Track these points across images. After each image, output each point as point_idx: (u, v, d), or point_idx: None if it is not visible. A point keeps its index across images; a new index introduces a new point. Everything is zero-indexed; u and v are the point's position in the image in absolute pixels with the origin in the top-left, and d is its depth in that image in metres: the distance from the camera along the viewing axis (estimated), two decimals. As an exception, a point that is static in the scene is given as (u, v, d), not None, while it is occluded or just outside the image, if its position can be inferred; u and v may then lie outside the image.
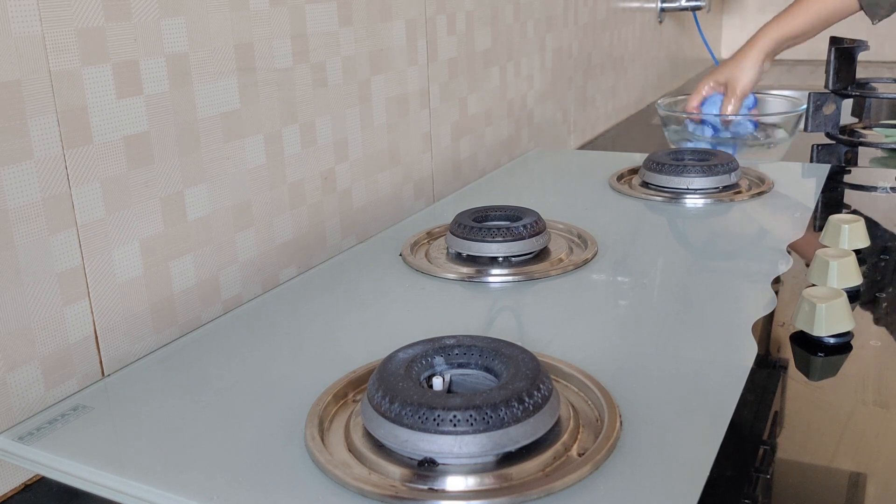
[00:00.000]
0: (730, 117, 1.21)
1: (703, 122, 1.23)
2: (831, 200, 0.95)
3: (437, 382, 0.48)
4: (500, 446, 0.42)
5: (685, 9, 1.84)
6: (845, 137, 1.29)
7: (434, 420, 0.42)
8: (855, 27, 2.26)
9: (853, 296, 0.65)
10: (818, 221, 0.84)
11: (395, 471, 0.43)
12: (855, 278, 0.66)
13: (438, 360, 0.48)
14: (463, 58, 1.02)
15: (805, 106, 1.22)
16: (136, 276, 0.59)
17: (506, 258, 0.71)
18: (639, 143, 1.53)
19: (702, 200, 0.89)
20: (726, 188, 0.91)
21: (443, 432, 0.42)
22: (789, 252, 0.72)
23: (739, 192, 0.90)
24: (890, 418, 0.51)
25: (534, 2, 1.20)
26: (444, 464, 0.42)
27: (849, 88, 1.30)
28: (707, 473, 0.42)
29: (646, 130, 1.58)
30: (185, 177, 0.63)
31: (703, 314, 0.62)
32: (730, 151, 1.05)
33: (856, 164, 1.17)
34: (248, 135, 0.69)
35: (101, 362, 0.57)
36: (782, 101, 1.27)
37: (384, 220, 0.88)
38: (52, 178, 0.52)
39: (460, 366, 0.49)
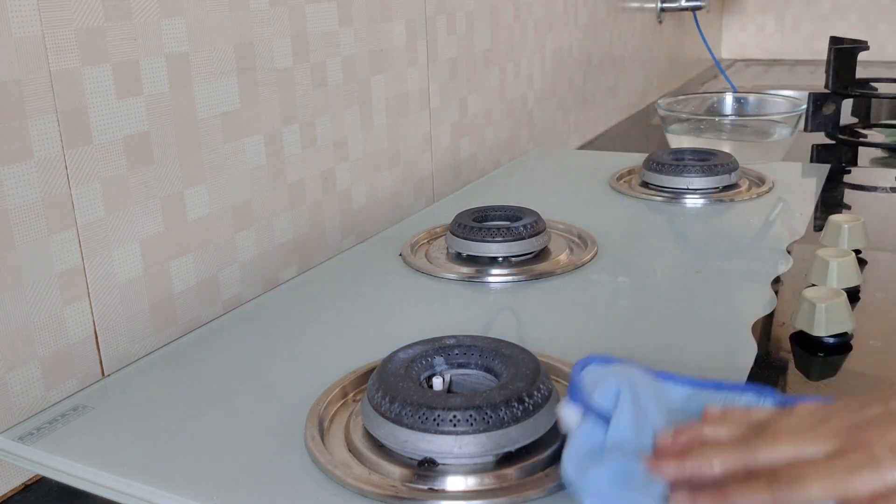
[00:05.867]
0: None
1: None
2: (831, 200, 0.95)
3: (437, 382, 0.48)
4: (500, 446, 0.42)
5: (685, 9, 1.84)
6: (845, 137, 1.29)
7: (434, 420, 0.42)
8: (855, 27, 2.27)
9: (853, 296, 0.65)
10: (818, 221, 0.84)
11: (395, 471, 0.43)
12: (855, 278, 0.66)
13: (438, 360, 0.48)
14: (463, 58, 1.02)
15: (805, 106, 1.22)
16: (136, 276, 0.59)
17: (506, 258, 0.71)
18: (639, 143, 1.53)
19: (702, 200, 0.89)
20: (726, 188, 0.91)
21: (443, 432, 0.42)
22: (789, 252, 0.72)
23: (739, 192, 0.90)
24: (890, 418, 0.51)
25: (534, 2, 1.20)
26: (443, 464, 0.42)
27: (849, 88, 1.30)
28: (707, 473, 0.42)
29: (646, 130, 1.58)
30: (185, 177, 0.63)
31: (703, 314, 0.62)
32: None
33: (856, 164, 1.17)
34: (248, 135, 0.69)
35: (101, 362, 0.57)
36: (782, 101, 1.27)
37: (384, 220, 0.88)
38: (52, 178, 0.52)
39: (460, 366, 0.49)
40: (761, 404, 0.41)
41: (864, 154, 1.23)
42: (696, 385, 0.43)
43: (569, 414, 0.40)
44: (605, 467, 0.37)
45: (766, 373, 0.57)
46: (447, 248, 0.74)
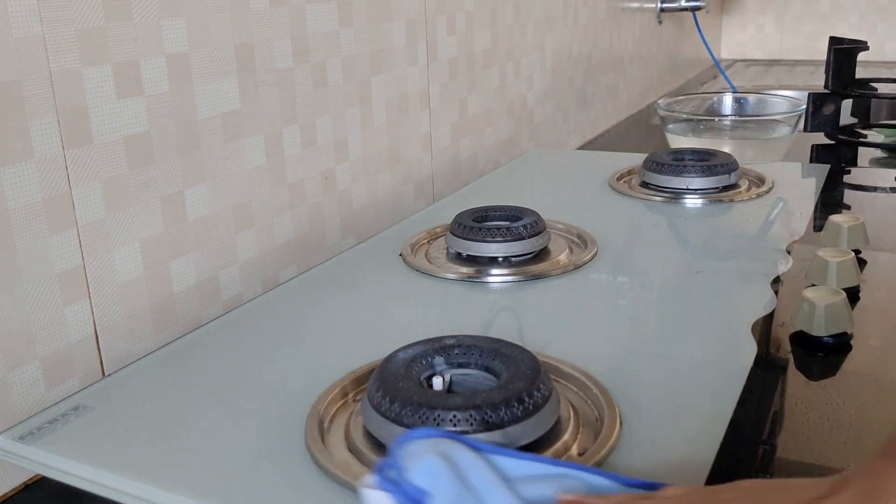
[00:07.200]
0: None
1: None
2: (831, 200, 0.95)
3: (437, 382, 0.48)
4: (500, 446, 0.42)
5: (685, 9, 1.84)
6: (845, 137, 1.29)
7: (434, 420, 0.42)
8: (855, 27, 2.27)
9: (853, 296, 0.65)
10: (818, 221, 0.84)
11: (396, 471, 0.43)
12: (854, 278, 0.66)
13: (438, 360, 0.48)
14: (463, 58, 1.02)
15: (805, 106, 1.22)
16: (136, 276, 0.59)
17: (506, 258, 0.71)
18: (639, 143, 1.53)
19: (701, 200, 0.89)
20: (726, 188, 0.91)
21: (443, 432, 0.42)
22: (789, 252, 0.72)
23: (739, 193, 0.91)
24: (890, 418, 0.51)
25: (534, 2, 1.20)
26: (444, 464, 0.42)
27: (848, 88, 1.30)
28: (707, 473, 0.42)
29: (646, 130, 1.59)
30: (185, 177, 0.63)
31: (703, 314, 0.62)
32: None
33: (855, 164, 1.17)
34: (248, 135, 0.69)
35: (101, 362, 0.57)
36: (782, 101, 1.27)
37: (384, 220, 0.88)
38: (53, 178, 0.52)
39: (460, 366, 0.49)
40: (611, 488, 0.38)
41: (864, 154, 1.23)
42: (534, 460, 0.38)
43: (375, 499, 0.35)
44: None
45: (765, 373, 0.57)
46: (447, 248, 0.74)
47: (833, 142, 1.29)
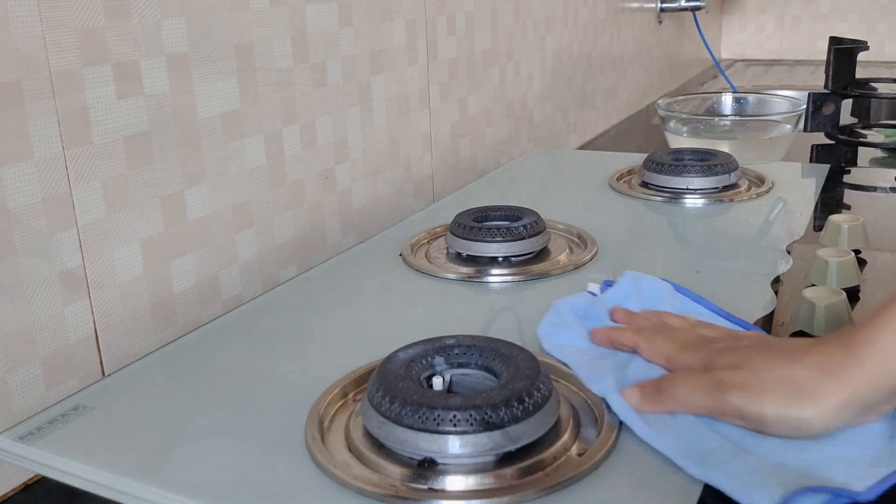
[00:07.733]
0: None
1: None
2: (831, 200, 0.95)
3: (437, 382, 0.48)
4: (500, 446, 0.42)
5: (685, 9, 1.84)
6: (845, 137, 1.29)
7: (434, 420, 0.42)
8: (855, 27, 2.27)
9: (853, 296, 0.65)
10: (818, 221, 0.84)
11: (395, 470, 0.43)
12: (855, 278, 0.66)
13: (438, 360, 0.48)
14: (463, 58, 1.02)
15: (805, 106, 1.22)
16: (136, 276, 0.59)
17: (506, 258, 0.71)
18: (639, 143, 1.53)
19: (701, 200, 0.89)
20: (726, 188, 0.91)
21: (443, 432, 0.42)
22: (789, 252, 0.72)
23: (739, 192, 0.90)
24: (890, 418, 0.51)
25: (534, 2, 1.20)
26: (443, 463, 0.42)
27: (848, 88, 1.30)
28: (707, 473, 0.42)
29: (646, 130, 1.59)
30: (185, 177, 0.63)
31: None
32: None
33: (855, 164, 1.17)
34: (248, 135, 0.69)
35: (101, 362, 0.57)
36: (782, 101, 1.27)
37: (384, 220, 0.88)
38: (53, 178, 0.52)
39: (460, 366, 0.49)
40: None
41: (864, 154, 1.23)
42: (710, 308, 0.59)
43: (590, 286, 0.61)
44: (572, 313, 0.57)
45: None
46: (447, 248, 0.74)
47: (833, 142, 1.29)
